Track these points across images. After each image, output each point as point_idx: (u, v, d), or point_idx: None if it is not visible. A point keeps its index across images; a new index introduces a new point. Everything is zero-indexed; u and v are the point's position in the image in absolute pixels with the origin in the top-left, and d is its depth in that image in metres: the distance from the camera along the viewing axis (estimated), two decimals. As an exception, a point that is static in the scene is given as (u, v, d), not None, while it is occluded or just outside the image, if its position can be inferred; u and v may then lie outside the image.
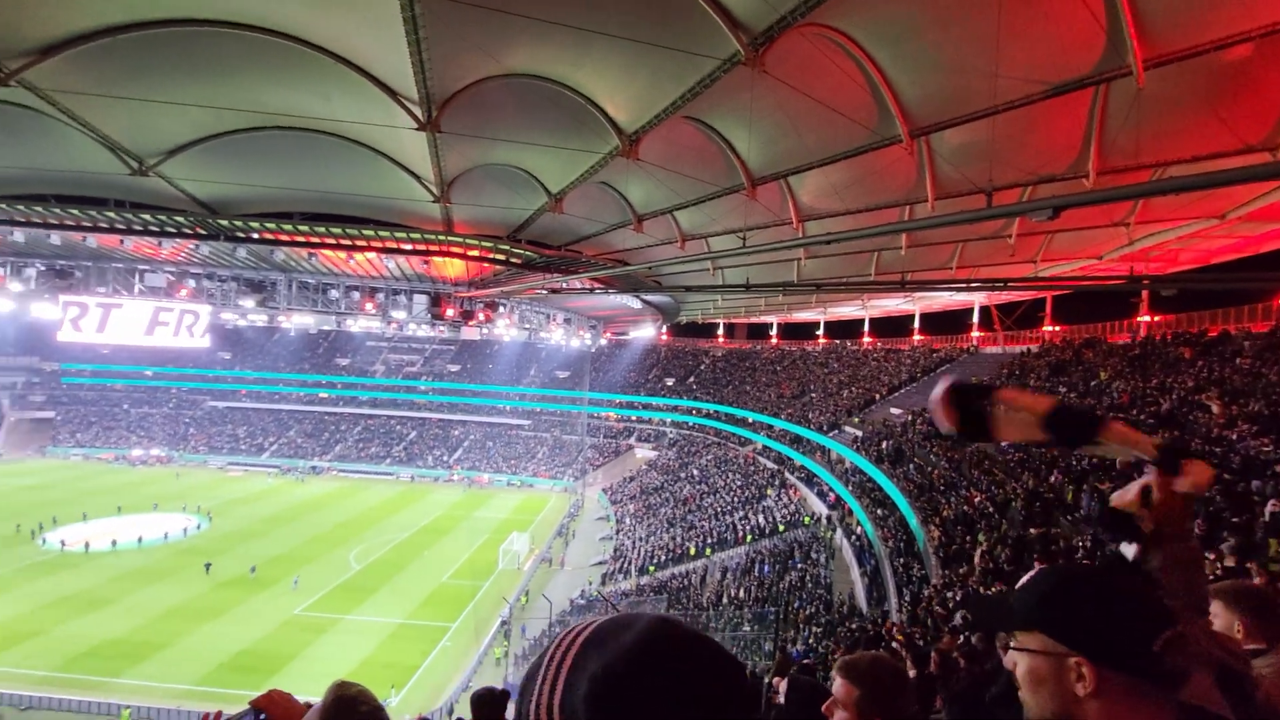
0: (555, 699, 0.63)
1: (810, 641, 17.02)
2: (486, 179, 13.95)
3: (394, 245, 19.01)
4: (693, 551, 29.92)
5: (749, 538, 29.47)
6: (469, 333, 56.44)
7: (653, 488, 43.61)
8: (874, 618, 16.34)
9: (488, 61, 9.20)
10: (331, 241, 18.98)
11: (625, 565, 31.41)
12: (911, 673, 5.48)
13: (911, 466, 21.49)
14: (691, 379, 57.91)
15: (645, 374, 62.54)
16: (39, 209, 16.41)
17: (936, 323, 42.08)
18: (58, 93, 9.97)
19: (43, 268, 23.18)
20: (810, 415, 36.52)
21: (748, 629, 20.39)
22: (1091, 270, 20.33)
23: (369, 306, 25.39)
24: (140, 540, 33.97)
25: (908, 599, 15.21)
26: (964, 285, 22.47)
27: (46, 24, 8.51)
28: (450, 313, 25.06)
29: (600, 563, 33.94)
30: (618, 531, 38.14)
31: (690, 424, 52.57)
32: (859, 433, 28.60)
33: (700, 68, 8.85)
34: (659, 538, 33.38)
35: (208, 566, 30.01)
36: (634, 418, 60.39)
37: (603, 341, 52.50)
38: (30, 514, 36.63)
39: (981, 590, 9.82)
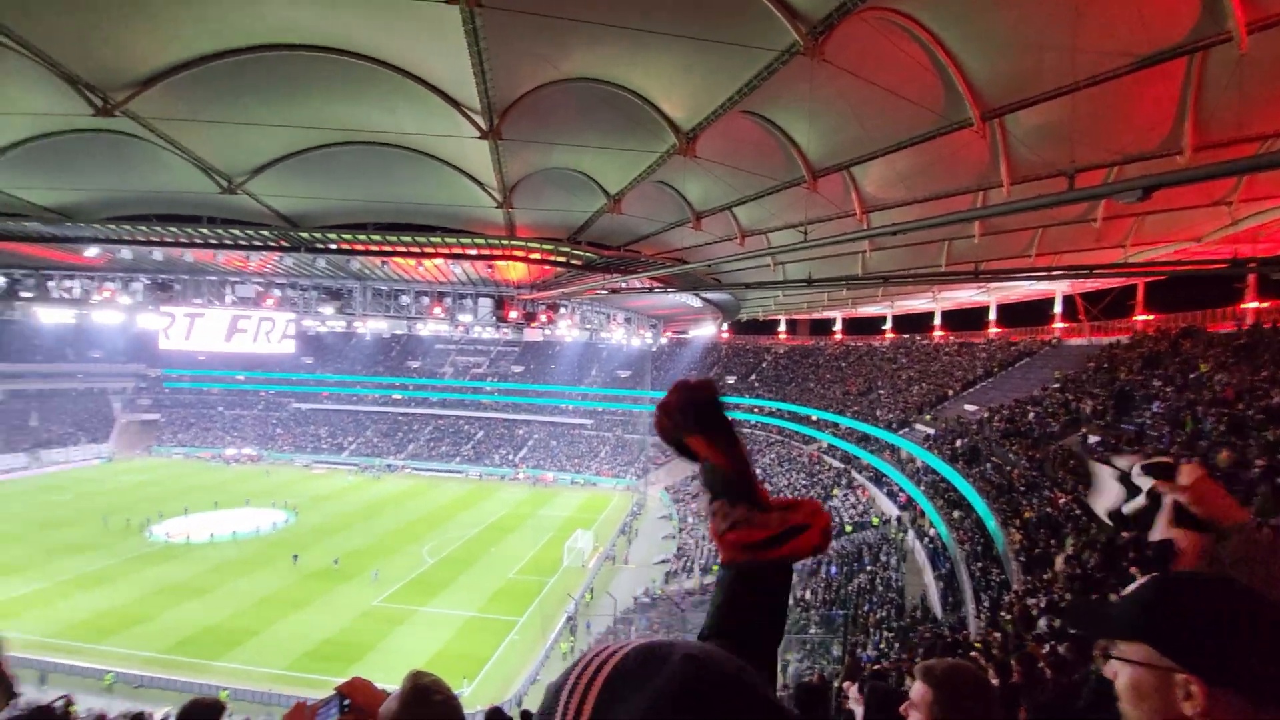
0: None
1: (881, 646, 16.49)
2: (546, 183, 14.22)
3: (460, 251, 19.65)
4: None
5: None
6: (532, 334, 57.81)
7: (715, 486, 43.42)
8: (950, 623, 15.67)
9: (545, 68, 9.38)
10: (402, 249, 19.81)
11: (688, 564, 31.35)
12: (994, 681, 5.23)
13: (989, 466, 20.47)
14: (753, 376, 57.16)
15: (706, 372, 62.16)
16: (143, 228, 17.89)
17: (1014, 314, 39.84)
18: (156, 120, 10.84)
19: (147, 282, 25.25)
20: (878, 413, 35.37)
21: (815, 631, 19.95)
22: (1189, 254, 18.76)
23: (437, 310, 26.36)
24: (234, 533, 36.53)
25: (986, 605, 14.51)
26: (1044, 274, 21.19)
27: (146, 58, 9.27)
28: (514, 315, 25.69)
29: (663, 561, 34.00)
30: (680, 530, 38.12)
31: (752, 422, 51.84)
32: (931, 431, 27.47)
33: (757, 60, 8.72)
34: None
35: (295, 558, 31.98)
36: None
37: (663, 340, 52.56)
38: (139, 509, 40.06)
39: (1076, 595, 9.26)
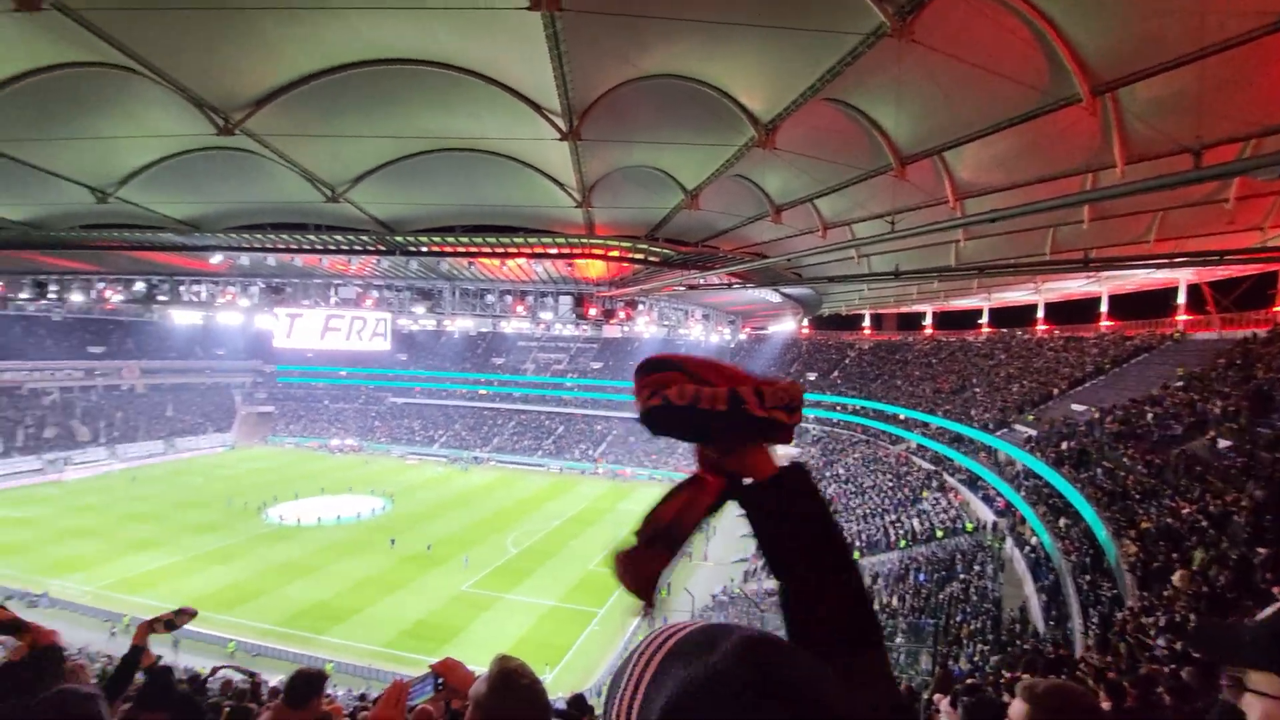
0: (635, 708, 0.62)
1: (976, 660, 15.59)
2: (625, 181, 14.34)
3: (541, 250, 20.19)
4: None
5: (902, 543, 27.62)
6: (610, 331, 58.61)
7: (795, 486, 42.37)
8: (1054, 639, 14.57)
9: (624, 67, 9.45)
10: (487, 250, 20.58)
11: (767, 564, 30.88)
12: (1105, 705, 4.82)
13: (1100, 471, 18.85)
14: (836, 373, 55.40)
15: (786, 368, 60.80)
16: (259, 236, 19.52)
17: (1130, 305, 36.37)
18: (269, 136, 11.80)
19: (263, 285, 27.56)
20: (973, 412, 33.37)
21: (901, 640, 19.11)
22: (1347, 236, 16.51)
23: (520, 308, 27.23)
24: (338, 518, 39.30)
25: (1096, 621, 13.39)
26: (1165, 261, 19.25)
27: (260, 80, 10.11)
28: (593, 312, 26.13)
29: (741, 560, 33.61)
30: (759, 529, 37.53)
31: (835, 420, 50.29)
32: (1033, 432, 25.64)
33: (840, 46, 8.41)
34: (803, 538, 32.34)
35: (392, 542, 34.07)
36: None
37: (741, 336, 51.87)
38: (257, 493, 43.86)
39: (1202, 616, 8.38)
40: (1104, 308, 37.34)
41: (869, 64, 8.64)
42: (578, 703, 6.22)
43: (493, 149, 12.94)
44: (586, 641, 24.34)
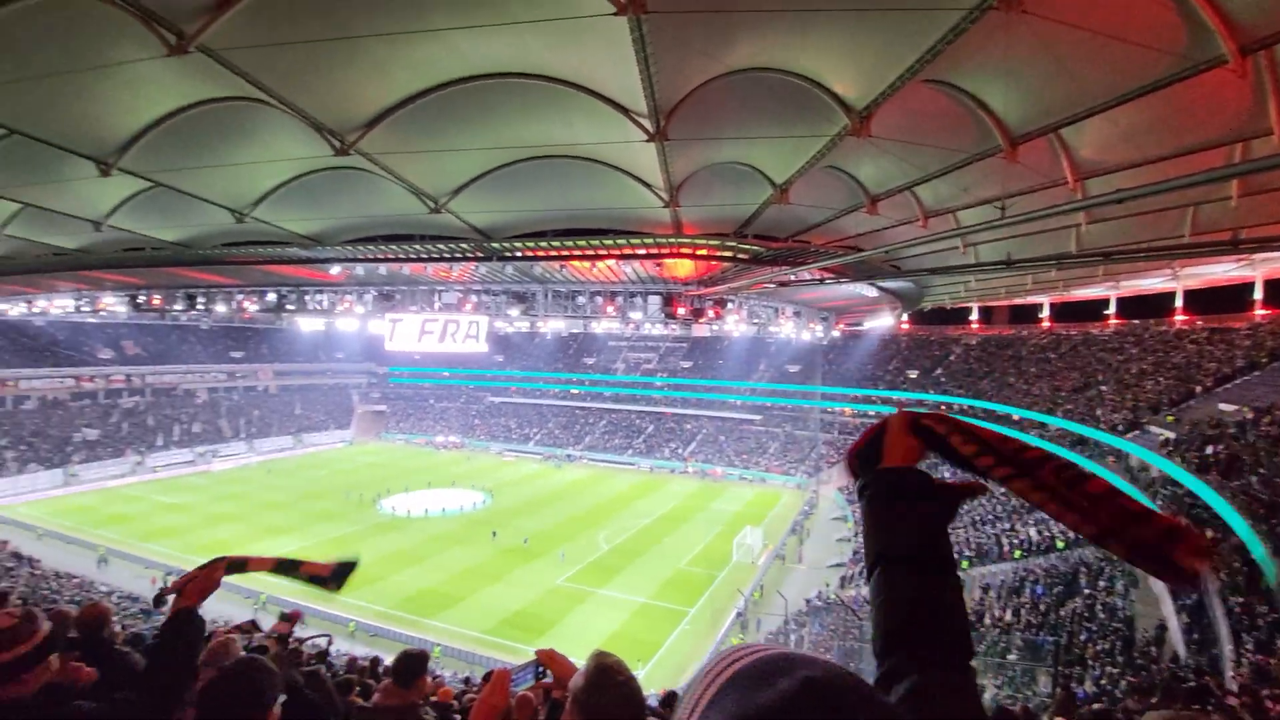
0: None
1: (1103, 683, 14.23)
2: (712, 178, 14.23)
3: (630, 251, 20.41)
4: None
5: (1017, 553, 25.68)
6: (699, 330, 58.34)
7: (895, 489, 40.36)
8: (1197, 665, 13.05)
9: (710, 64, 9.38)
10: (578, 253, 21.07)
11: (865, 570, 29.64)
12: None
13: (1254, 479, 16.65)
14: (939, 371, 52.36)
15: (883, 366, 58.17)
16: (371, 247, 21.02)
17: (1293, 291, 31.93)
18: (379, 154, 12.67)
19: (375, 293, 29.69)
20: (1099, 412, 30.49)
21: (1015, 657, 17.78)
22: None
23: (610, 309, 27.70)
24: (444, 510, 41.67)
25: (1251, 647, 11.86)
26: (1341, 239, 16.68)
27: (371, 102, 10.89)
28: (681, 311, 26.12)
29: (838, 564, 32.50)
30: (857, 533, 36.11)
31: (939, 421, 47.37)
32: (1171, 434, 23.05)
33: (940, 23, 7.92)
34: (904, 544, 30.78)
35: (494, 535, 35.73)
36: (871, 413, 56.57)
37: (835, 333, 50.00)
38: (372, 485, 47.31)
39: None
40: (1258, 294, 32.97)
41: (973, 40, 8.09)
42: (670, 700, 6.24)
43: (583, 154, 13.23)
44: (678, 640, 24.40)
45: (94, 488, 46.12)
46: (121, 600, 24.79)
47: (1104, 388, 34.00)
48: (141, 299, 33.85)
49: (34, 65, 9.20)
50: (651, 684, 19.64)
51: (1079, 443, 30.40)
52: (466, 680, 14.23)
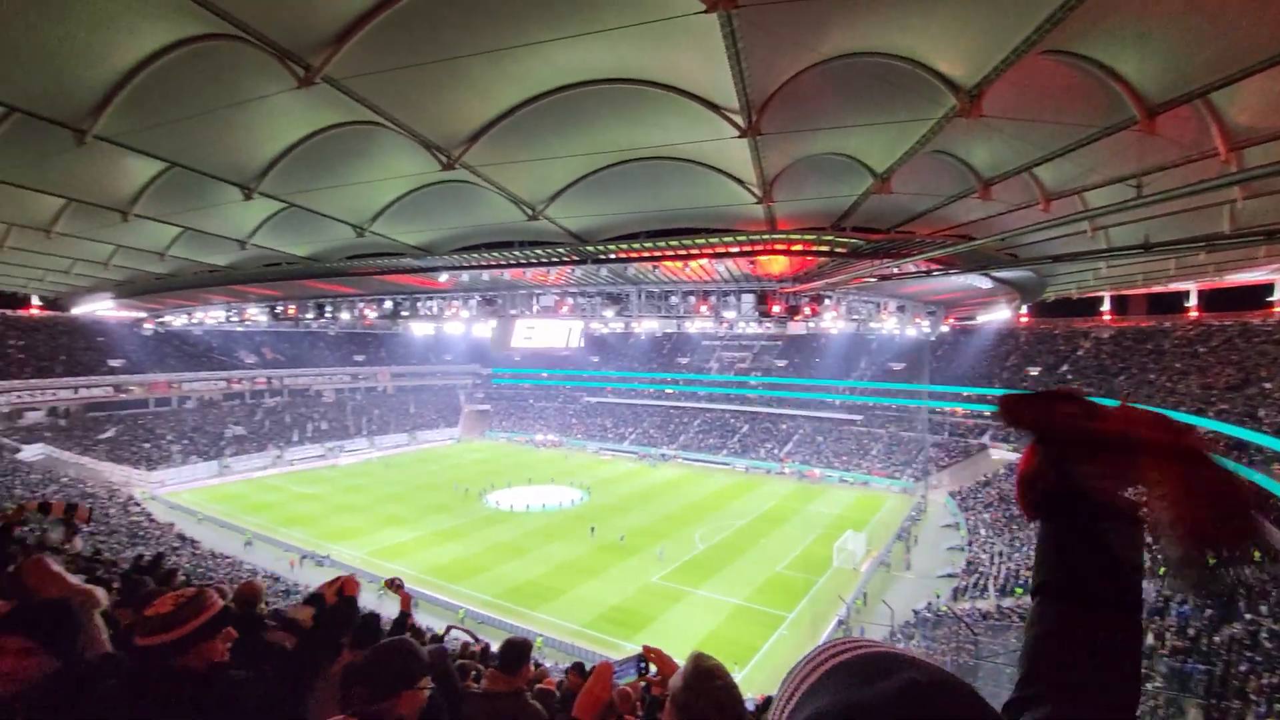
0: (786, 710, 0.59)
1: (1273, 722, 12.47)
2: (807, 171, 13.81)
3: (722, 250, 20.24)
4: (1075, 576, 24.70)
5: (1160, 569, 23.00)
6: (795, 328, 56.71)
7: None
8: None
9: (803, 54, 9.10)
10: (670, 253, 21.17)
11: (982, 582, 27.63)
12: None
13: None
14: (1065, 367, 48.03)
15: (1000, 363, 54.14)
16: (475, 255, 22.17)
17: None
18: (481, 166, 13.34)
19: (479, 298, 31.28)
20: (1262, 413, 26.78)
21: (1159, 684, 15.96)
22: None
23: (703, 309, 27.60)
24: (544, 506, 43.18)
25: None
26: None
27: (473, 119, 11.48)
28: (776, 309, 25.58)
29: (949, 574, 30.56)
30: (970, 542, 33.78)
31: (1065, 422, 43.46)
32: (1360, 439, 19.80)
33: (1062, -13, 7.25)
34: (1026, 555, 28.48)
35: (592, 530, 36.64)
36: (987, 413, 52.82)
37: (944, 328, 47.02)
38: (478, 480, 49.84)
39: None
40: None
41: (1101, 2, 7.33)
42: (769, 706, 6.13)
43: (675, 154, 13.26)
44: (776, 644, 23.89)
45: (242, 478, 51.78)
46: (264, 579, 27.67)
47: (1267, 385, 29.73)
48: (279, 309, 37.69)
49: (192, 105, 10.47)
50: (749, 688, 19.35)
51: (1237, 448, 26.77)
52: (567, 672, 14.67)
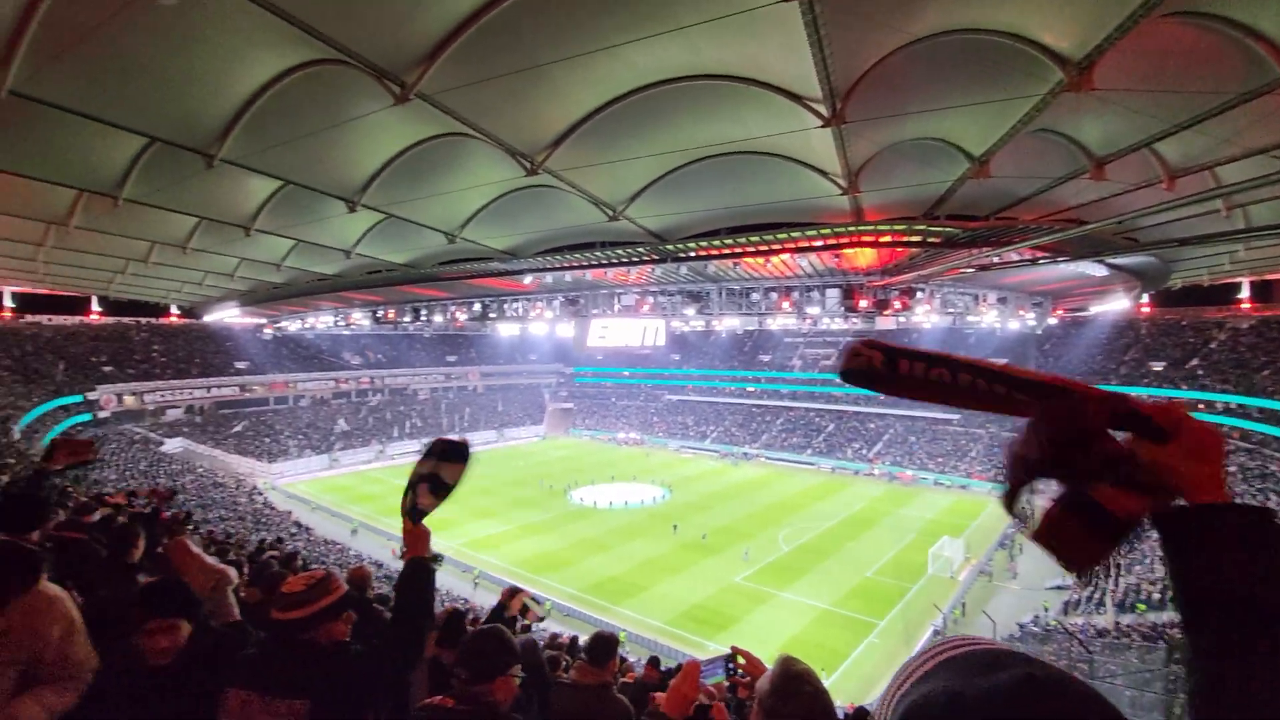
0: (897, 695, 0.59)
1: None
2: (896, 158, 13.20)
3: (805, 244, 19.73)
4: (1209, 594, 22.22)
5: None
6: (884, 323, 54.30)
7: (1136, 503, 34.01)
8: None
9: (890, 36, 8.71)
10: (751, 249, 20.86)
11: (1098, 596, 25.40)
12: None
13: None
14: (1195, 361, 43.42)
15: (1117, 357, 49.70)
16: (557, 257, 22.76)
17: None
18: (563, 171, 13.67)
19: (562, 298, 32.08)
20: None
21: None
22: None
23: (785, 305, 27.00)
24: (626, 503, 43.67)
25: None
26: None
27: (555, 124, 11.79)
28: (863, 304, 24.64)
29: (1059, 586, 28.35)
30: (1083, 552, 31.07)
31: (1196, 422, 39.23)
32: None
33: (1190, -60, 6.54)
34: (1148, 568, 25.95)
35: (675, 528, 36.76)
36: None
37: (1051, 321, 43.57)
38: (562, 477, 51.09)
39: None
40: None
41: (1239, -48, 6.55)
42: (861, 715, 5.92)
43: (755, 148, 13.06)
44: (866, 652, 23.02)
45: (349, 470, 55.67)
46: (369, 565, 29.66)
47: None
48: (379, 313, 40.23)
49: (302, 126, 11.37)
50: (837, 695, 18.72)
51: None
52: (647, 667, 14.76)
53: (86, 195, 14.85)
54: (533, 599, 4.57)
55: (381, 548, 34.39)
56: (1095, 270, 24.59)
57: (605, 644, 3.41)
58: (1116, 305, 43.69)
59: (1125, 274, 26.62)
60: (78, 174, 13.59)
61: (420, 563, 2.26)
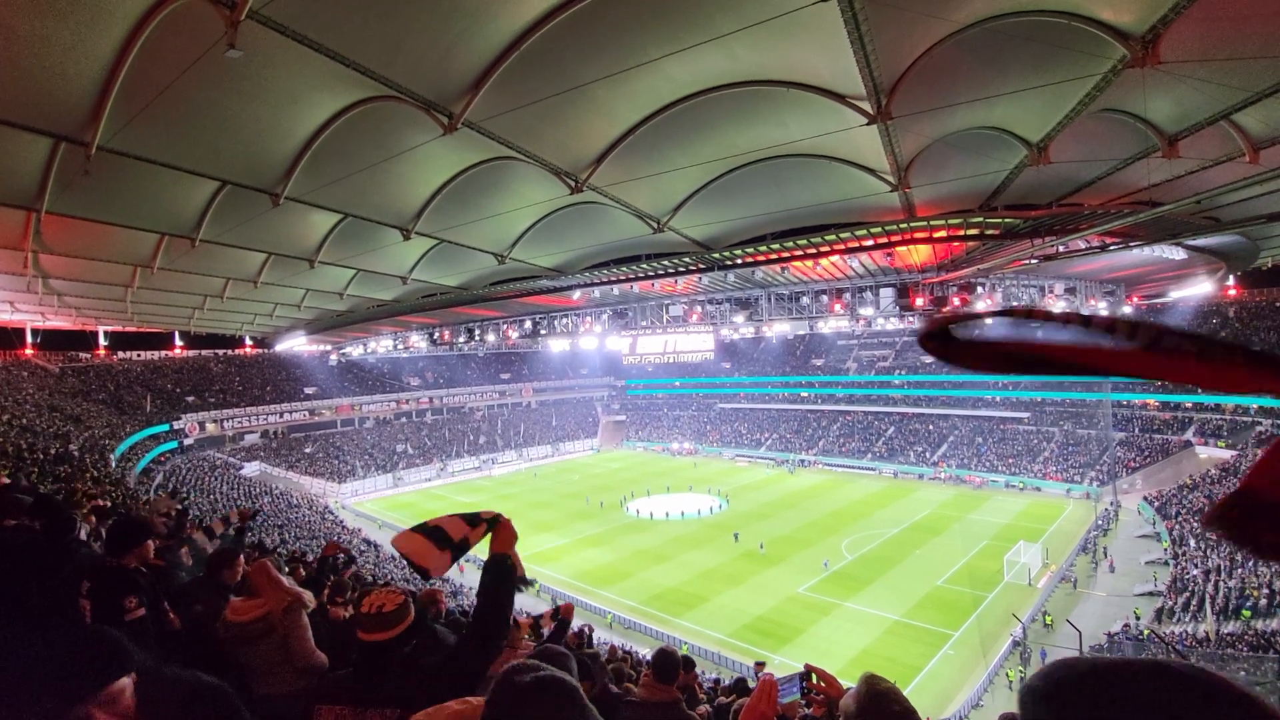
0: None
1: None
2: (948, 150, 12.77)
3: (855, 244, 19.30)
4: (1325, 599, 20.41)
5: None
6: (942, 320, 52.31)
7: (1233, 501, 31.47)
8: None
9: (936, 26, 8.46)
10: (799, 253, 20.54)
11: (1195, 602, 23.63)
12: None
13: None
14: (1293, 346, 39.96)
15: (1202, 346, 46.21)
16: (604, 271, 22.97)
17: None
18: (607, 186, 13.81)
19: (610, 312, 32.31)
20: None
21: None
22: None
23: (837, 307, 26.39)
24: (683, 514, 43.37)
25: None
26: None
27: (597, 141, 11.94)
28: (920, 302, 23.83)
29: (1150, 592, 26.56)
30: (1176, 556, 29.06)
31: (1297, 413, 36.35)
32: None
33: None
34: (1251, 571, 23.96)
35: (736, 536, 36.32)
36: (1189, 405, 45.50)
37: (1126, 309, 41.06)
38: (618, 489, 51.23)
39: None
40: None
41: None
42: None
43: (798, 150, 12.87)
44: (940, 665, 22.04)
45: (413, 489, 57.42)
46: (434, 580, 30.34)
47: None
48: (435, 335, 41.48)
49: (359, 161, 11.90)
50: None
51: None
52: (716, 683, 14.53)
53: (168, 238, 15.96)
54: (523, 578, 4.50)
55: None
56: (1173, 253, 23.09)
57: (673, 660, 3.37)
58: (1199, 289, 40.80)
59: (1207, 255, 24.90)
60: (160, 219, 14.63)
61: (497, 558, 2.30)
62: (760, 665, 15.04)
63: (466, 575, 32.78)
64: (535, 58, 8.57)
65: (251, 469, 50.49)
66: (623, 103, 10.63)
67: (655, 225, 16.62)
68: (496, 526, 2.29)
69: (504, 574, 2.22)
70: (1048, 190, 15.36)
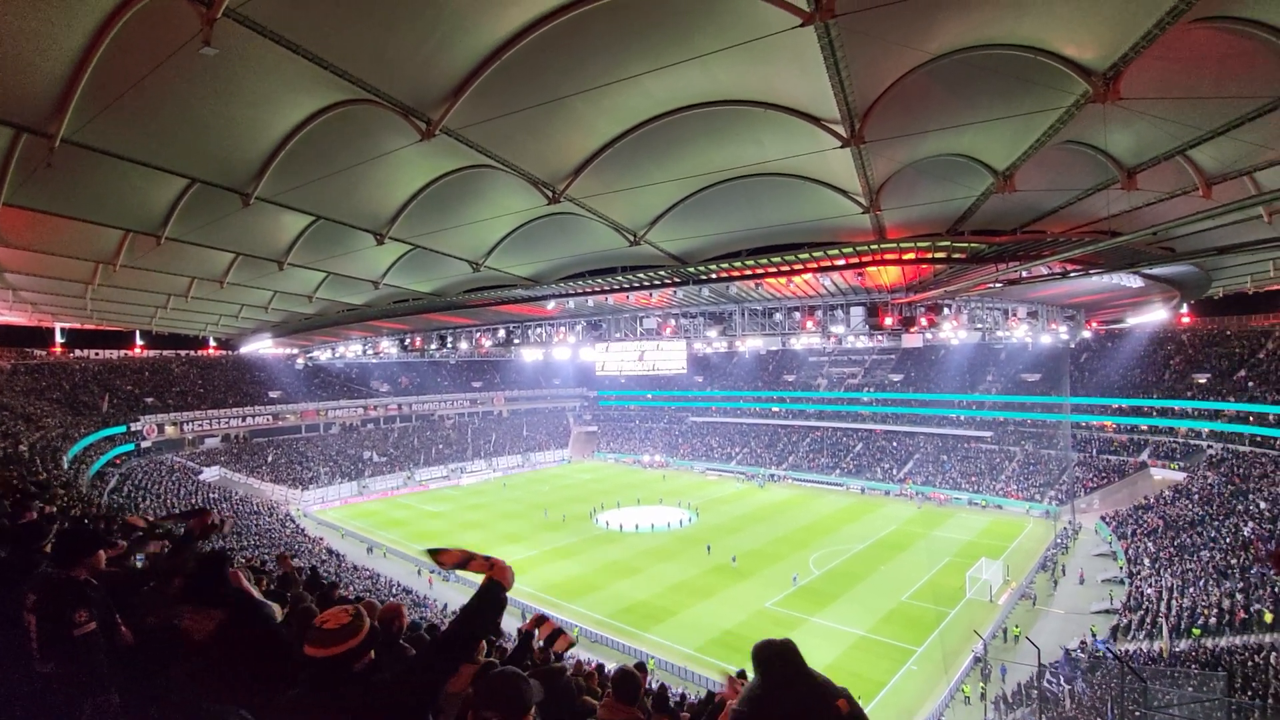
0: None
1: None
2: (918, 175, 13.11)
3: (827, 263, 19.61)
4: (1268, 618, 21.17)
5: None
6: (910, 340, 53.48)
7: (1186, 522, 32.78)
8: None
9: (909, 55, 8.70)
10: (773, 270, 20.81)
11: (1149, 620, 24.31)
12: None
13: None
14: (1242, 372, 41.98)
15: (1158, 370, 48.27)
16: (580, 282, 22.96)
17: None
18: (584, 198, 13.84)
19: (584, 323, 32.27)
20: None
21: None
22: None
23: (809, 324, 26.75)
24: (652, 526, 43.26)
25: None
26: None
27: (576, 153, 11.98)
28: (889, 321, 24.31)
29: (1106, 610, 27.26)
30: (1131, 575, 29.93)
31: (1246, 436, 37.89)
32: None
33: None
34: (1202, 591, 24.78)
35: (708, 549, 36.36)
36: (1145, 428, 47.04)
37: (1085, 334, 42.46)
38: (588, 500, 50.91)
39: None
40: None
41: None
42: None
43: (774, 170, 13.08)
44: (904, 680, 22.29)
45: (378, 496, 56.23)
46: (396, 592, 29.71)
47: None
48: (407, 341, 40.89)
49: (333, 164, 11.73)
50: (876, 726, 18.15)
51: None
52: (682, 698, 14.44)
53: (132, 235, 15.49)
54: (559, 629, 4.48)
55: (410, 574, 34.51)
56: (1131, 281, 23.97)
57: (633, 680, 3.34)
58: (1155, 316, 42.45)
59: (1163, 284, 25.90)
60: (125, 215, 14.19)
61: (494, 586, 2.25)
62: (742, 675, 14.99)
63: (435, 589, 32.17)
64: (516, 68, 8.57)
65: (211, 473, 48.94)
66: (602, 117, 10.69)
67: (632, 238, 16.69)
68: (497, 569, 2.28)
69: (495, 602, 2.20)
70: (1013, 217, 15.85)
